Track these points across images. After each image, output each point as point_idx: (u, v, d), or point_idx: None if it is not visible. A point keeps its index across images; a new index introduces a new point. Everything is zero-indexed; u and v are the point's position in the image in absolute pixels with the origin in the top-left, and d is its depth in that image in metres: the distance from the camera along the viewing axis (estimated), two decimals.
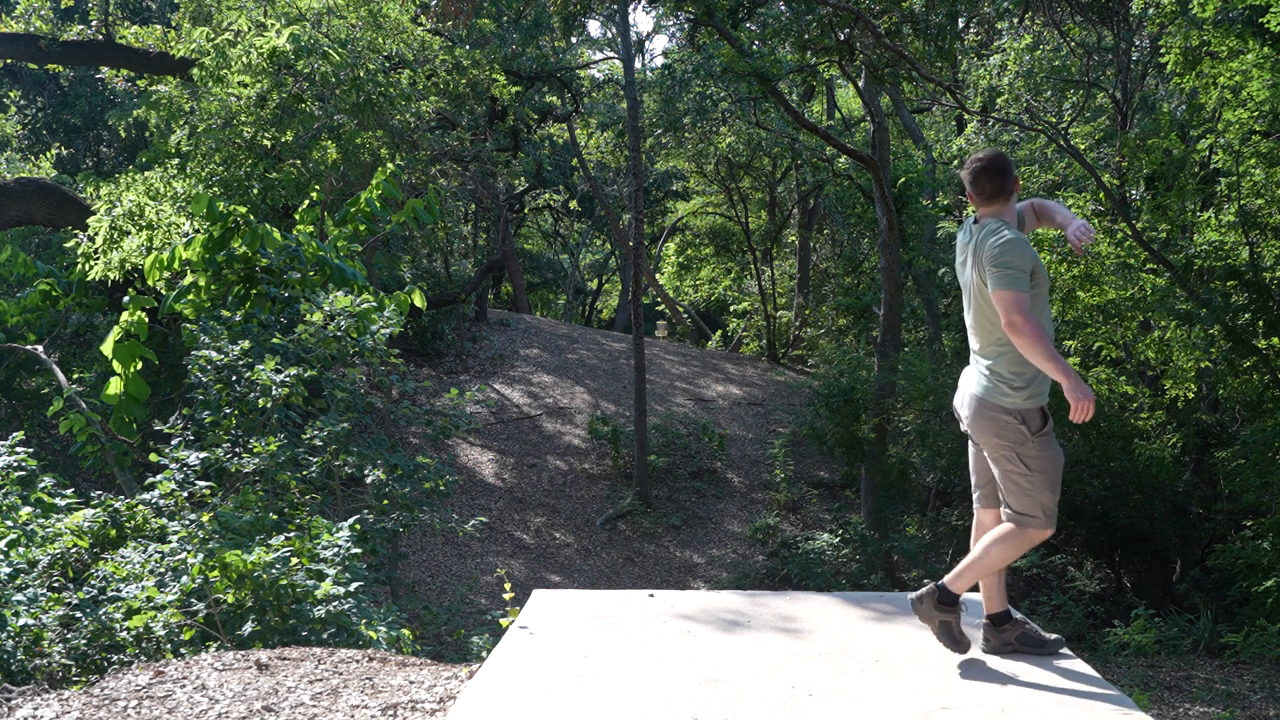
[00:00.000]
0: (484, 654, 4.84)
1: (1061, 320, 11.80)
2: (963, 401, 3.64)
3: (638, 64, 24.16)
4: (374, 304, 7.63)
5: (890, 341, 14.64)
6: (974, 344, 3.60)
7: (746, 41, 13.42)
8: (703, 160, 22.86)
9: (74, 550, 5.72)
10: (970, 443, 3.76)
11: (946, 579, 3.59)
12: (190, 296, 8.33)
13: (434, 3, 16.01)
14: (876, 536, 13.05)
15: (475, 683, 3.47)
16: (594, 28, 29.46)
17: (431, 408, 13.13)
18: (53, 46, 13.18)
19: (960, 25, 15.57)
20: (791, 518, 15.17)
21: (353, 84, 10.74)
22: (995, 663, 3.68)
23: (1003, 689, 3.40)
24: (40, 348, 10.42)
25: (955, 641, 3.60)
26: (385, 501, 7.58)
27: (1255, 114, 9.86)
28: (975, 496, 3.79)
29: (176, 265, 8.40)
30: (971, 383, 3.59)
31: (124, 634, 4.82)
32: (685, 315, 27.52)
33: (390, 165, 9.95)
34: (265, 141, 10.95)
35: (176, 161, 10.97)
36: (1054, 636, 3.76)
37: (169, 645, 4.82)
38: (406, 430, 15.11)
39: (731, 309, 25.84)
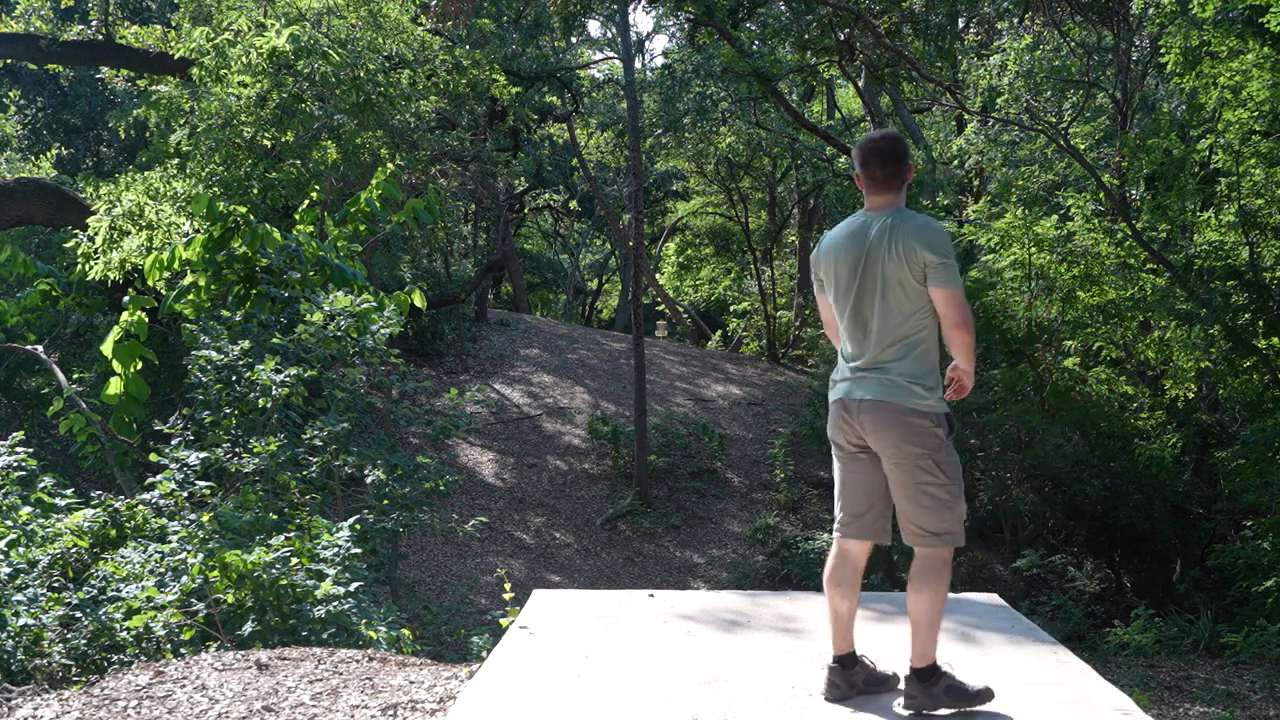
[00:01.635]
0: (484, 654, 4.84)
1: (1061, 320, 11.81)
2: (856, 410, 3.19)
3: (638, 64, 24.18)
4: (374, 304, 7.63)
5: None
6: (867, 345, 3.19)
7: (746, 41, 13.43)
8: (703, 160, 22.86)
9: (74, 550, 5.72)
10: (852, 460, 3.30)
11: (913, 662, 3.17)
12: (190, 296, 8.33)
13: (434, 3, 16.01)
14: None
15: (475, 683, 3.47)
16: (594, 28, 29.50)
17: (431, 408, 13.13)
18: (53, 46, 13.18)
19: (960, 25, 15.58)
20: (791, 518, 15.16)
21: (353, 84, 10.74)
22: (995, 663, 3.67)
23: (1003, 689, 3.40)
24: (40, 348, 10.41)
25: (975, 694, 3.17)
26: (385, 501, 7.58)
27: (1255, 114, 9.87)
28: (850, 526, 3.30)
29: (176, 265, 8.40)
30: (871, 388, 3.16)
31: (124, 634, 4.82)
32: (685, 315, 27.52)
33: (390, 165, 9.95)
34: (265, 141, 10.95)
35: (176, 161, 10.97)
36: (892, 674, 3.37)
37: (169, 645, 4.82)
38: (406, 430, 15.11)
39: (731, 309, 25.84)
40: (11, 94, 18.63)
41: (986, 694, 3.18)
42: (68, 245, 10.56)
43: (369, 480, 7.41)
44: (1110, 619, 10.75)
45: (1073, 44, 13.92)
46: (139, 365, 8.66)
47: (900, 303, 3.13)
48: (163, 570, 5.20)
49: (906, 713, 3.20)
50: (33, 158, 17.01)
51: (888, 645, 3.85)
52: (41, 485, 6.40)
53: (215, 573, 4.94)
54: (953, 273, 3.10)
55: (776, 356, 22.55)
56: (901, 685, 3.25)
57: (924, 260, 3.09)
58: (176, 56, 12.10)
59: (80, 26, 13.92)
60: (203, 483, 6.14)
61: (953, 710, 3.13)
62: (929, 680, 3.13)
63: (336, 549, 5.45)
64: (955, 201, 15.94)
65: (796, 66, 13.82)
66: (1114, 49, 13.43)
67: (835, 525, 3.37)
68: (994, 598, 4.71)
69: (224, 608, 4.94)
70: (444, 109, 15.51)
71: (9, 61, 16.63)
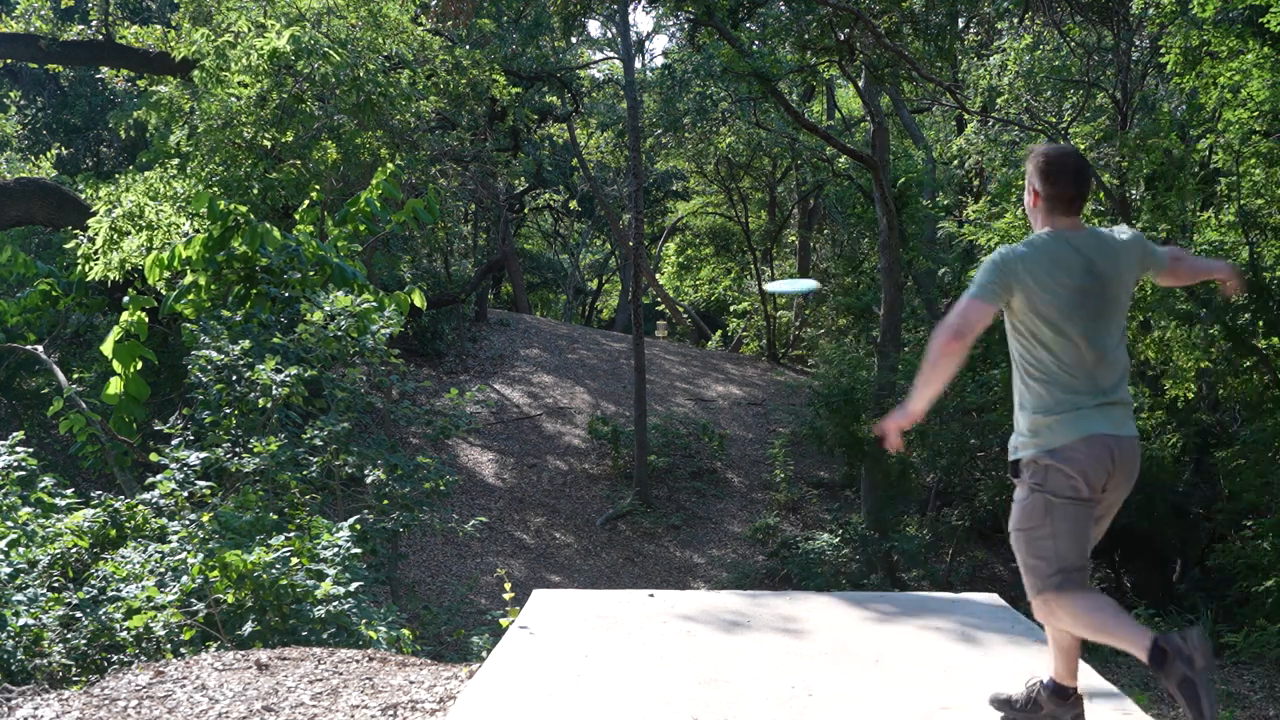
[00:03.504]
0: (484, 654, 4.84)
1: None
2: (1122, 450, 2.87)
3: (638, 64, 24.17)
4: (374, 304, 7.63)
5: (890, 341, 14.64)
6: (1118, 375, 2.90)
7: (746, 41, 13.43)
8: (703, 160, 22.87)
9: (74, 550, 5.72)
10: (1086, 506, 2.88)
11: (1076, 682, 3.05)
12: (190, 296, 8.33)
13: (434, 3, 16.01)
14: (876, 536, 13.06)
15: (475, 683, 3.46)
16: (594, 28, 29.44)
17: (431, 408, 13.13)
18: (53, 46, 13.18)
19: (960, 25, 15.57)
20: (791, 518, 15.16)
21: (353, 84, 10.74)
22: (995, 663, 3.67)
23: (1003, 689, 3.39)
24: (40, 348, 10.41)
25: None
26: (385, 501, 7.58)
27: (1255, 114, 9.87)
28: (1069, 580, 2.88)
29: (176, 265, 8.40)
30: (1127, 421, 2.91)
31: (124, 634, 4.82)
32: (685, 315, 27.52)
33: (390, 165, 9.95)
34: (265, 142, 10.95)
35: (176, 162, 10.96)
36: None
37: (169, 645, 4.82)
38: (406, 430, 15.11)
39: (731, 309, 25.84)
40: (11, 94, 18.62)
41: None
42: (68, 245, 10.56)
43: (369, 480, 7.41)
44: None
45: (1073, 44, 13.90)
46: (139, 365, 8.66)
47: (1121, 319, 2.96)
48: (163, 570, 5.20)
49: (908, 704, 3.20)
50: (33, 158, 17.01)
51: (889, 645, 3.85)
52: (41, 485, 6.40)
53: (215, 573, 4.93)
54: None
55: (776, 356, 22.54)
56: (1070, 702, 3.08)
57: (1146, 258, 2.99)
58: (177, 57, 12.10)
59: (80, 26, 13.91)
60: (203, 483, 6.13)
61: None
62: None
63: (336, 549, 5.45)
64: (955, 201, 15.96)
65: (796, 66, 13.81)
66: (1114, 49, 13.41)
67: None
68: (994, 598, 4.71)
69: (224, 608, 4.94)
70: (444, 109, 15.51)
71: (9, 61, 16.63)
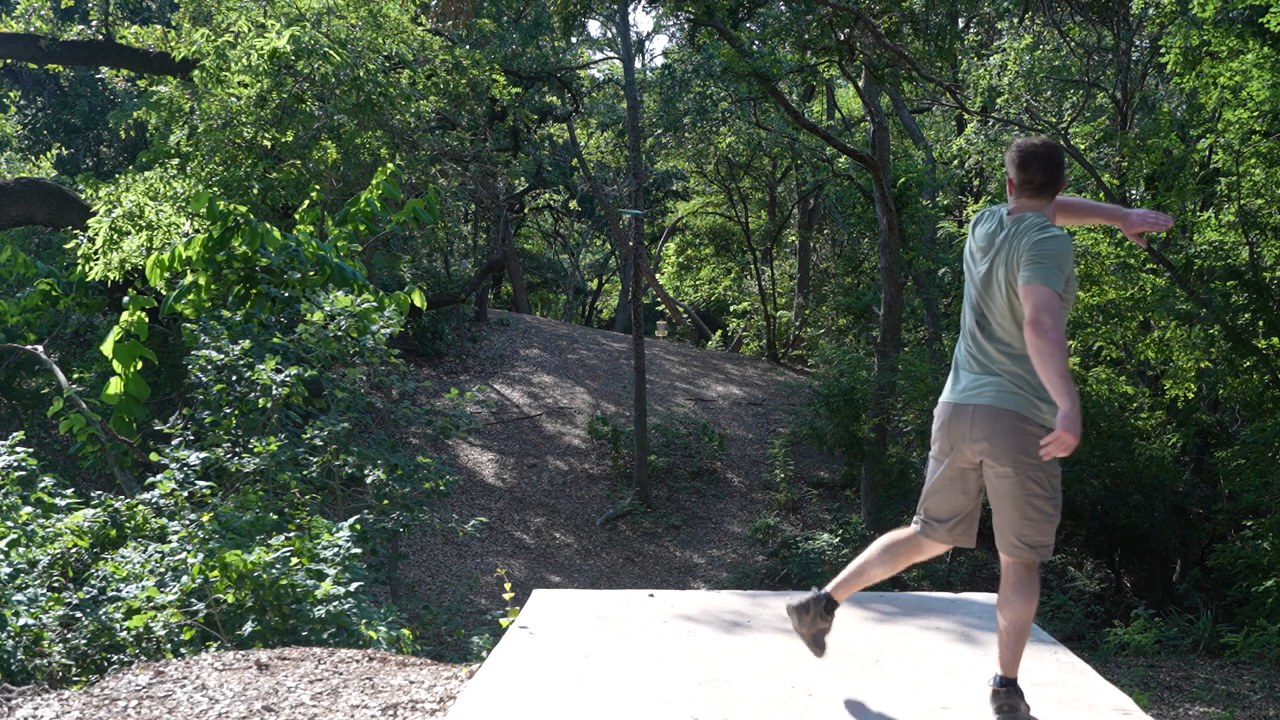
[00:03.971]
0: (484, 654, 4.84)
1: None
2: (977, 416, 3.13)
3: (638, 64, 24.17)
4: (374, 304, 7.63)
5: (890, 341, 14.63)
6: (997, 351, 3.11)
7: (746, 41, 13.42)
8: (703, 160, 22.88)
9: (74, 550, 5.72)
10: (948, 467, 3.28)
11: (1008, 672, 3.18)
12: (190, 296, 8.33)
13: (434, 3, 16.01)
14: (876, 536, 13.05)
15: (475, 683, 3.46)
16: (594, 28, 29.44)
17: (431, 408, 13.12)
18: (53, 46, 13.18)
19: (960, 25, 15.57)
20: (791, 518, 15.16)
21: (353, 84, 10.74)
22: (995, 663, 3.67)
23: None
24: (40, 348, 10.41)
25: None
26: (385, 501, 7.58)
27: (1255, 114, 9.86)
28: (943, 531, 3.37)
29: (177, 265, 8.40)
30: (994, 394, 3.10)
31: (124, 634, 4.82)
32: (685, 315, 27.52)
33: (390, 165, 9.95)
34: (265, 142, 10.95)
35: (176, 162, 10.97)
36: None
37: (169, 645, 4.82)
38: (406, 430, 15.11)
39: (731, 309, 25.84)
40: (11, 94, 18.62)
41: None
42: (68, 245, 10.55)
43: (369, 480, 7.41)
44: (1110, 619, 10.75)
45: (1073, 44, 13.91)
46: (139, 365, 8.66)
47: (1018, 305, 3.04)
48: (163, 570, 5.20)
49: (908, 704, 3.20)
50: (33, 158, 17.01)
51: (889, 645, 3.85)
52: (41, 485, 6.39)
53: (215, 573, 4.93)
54: (1045, 271, 2.93)
55: (776, 356, 22.54)
56: (990, 695, 3.22)
57: (1023, 255, 3.00)
58: (177, 57, 12.10)
59: (80, 26, 13.91)
60: (203, 483, 6.13)
61: None
62: (1018, 692, 3.19)
63: (336, 549, 5.45)
64: (955, 201, 15.95)
65: (796, 66, 13.81)
66: (1114, 49, 13.41)
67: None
68: (994, 598, 4.70)
69: (224, 608, 4.94)
70: (444, 109, 15.51)
71: (9, 61, 16.62)
